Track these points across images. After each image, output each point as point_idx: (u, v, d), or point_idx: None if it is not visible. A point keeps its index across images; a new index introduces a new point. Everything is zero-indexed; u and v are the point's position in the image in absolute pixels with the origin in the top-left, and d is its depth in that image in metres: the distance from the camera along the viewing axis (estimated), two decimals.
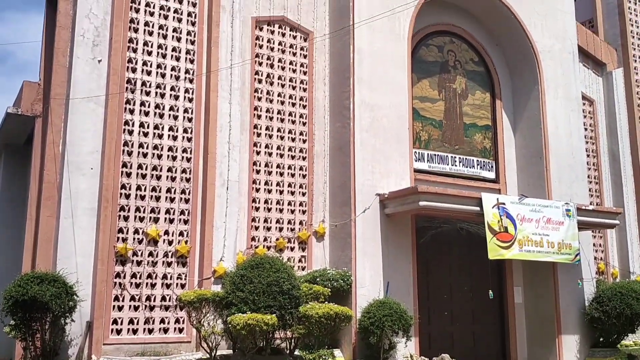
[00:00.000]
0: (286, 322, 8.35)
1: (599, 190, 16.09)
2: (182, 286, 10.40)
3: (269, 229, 11.68)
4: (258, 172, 11.74)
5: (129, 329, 9.91)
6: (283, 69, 12.32)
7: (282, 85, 12.27)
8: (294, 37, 12.55)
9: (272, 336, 8.69)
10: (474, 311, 13.88)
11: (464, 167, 14.06)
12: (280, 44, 12.37)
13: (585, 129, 15.84)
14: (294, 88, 12.37)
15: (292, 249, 11.81)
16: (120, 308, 9.95)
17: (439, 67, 14.14)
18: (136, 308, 10.04)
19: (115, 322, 9.87)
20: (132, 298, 10.06)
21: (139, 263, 10.20)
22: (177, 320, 10.33)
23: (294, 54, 12.50)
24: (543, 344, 13.46)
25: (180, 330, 10.32)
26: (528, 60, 14.64)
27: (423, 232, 12.86)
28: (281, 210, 11.87)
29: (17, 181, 13.13)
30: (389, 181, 12.05)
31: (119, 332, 9.87)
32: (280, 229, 11.79)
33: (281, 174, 11.97)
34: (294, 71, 12.44)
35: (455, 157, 13.99)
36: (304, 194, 12.13)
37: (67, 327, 9.21)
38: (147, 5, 10.92)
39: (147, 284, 10.20)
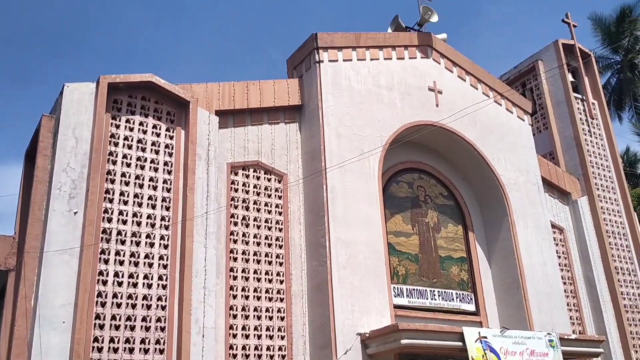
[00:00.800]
0: None
1: (580, 317, 16.01)
2: None
3: None
4: (235, 316, 11.51)
5: None
6: (258, 210, 12.54)
7: (258, 227, 12.41)
8: (269, 180, 12.90)
9: None
10: None
11: (444, 300, 14.01)
12: (255, 186, 12.69)
13: (559, 257, 16.08)
14: (269, 229, 12.51)
15: None
16: None
17: (411, 202, 14.54)
18: None
19: None
20: None
21: None
22: None
23: (269, 196, 12.78)
24: None
25: None
26: (495, 192, 15.16)
27: None
28: (260, 357, 11.50)
29: None
30: (369, 319, 11.88)
31: None
32: None
33: (259, 317, 11.75)
34: (270, 212, 12.65)
35: (434, 291, 13.97)
36: (282, 337, 11.83)
37: None
38: (124, 157, 11.24)
39: None
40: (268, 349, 11.62)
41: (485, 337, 11.73)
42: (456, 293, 14.25)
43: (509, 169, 15.50)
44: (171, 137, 11.86)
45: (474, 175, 15.41)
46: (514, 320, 13.93)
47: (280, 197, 12.90)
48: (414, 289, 13.67)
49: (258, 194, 12.66)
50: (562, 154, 18.34)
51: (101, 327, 10.06)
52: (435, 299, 13.90)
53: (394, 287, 13.18)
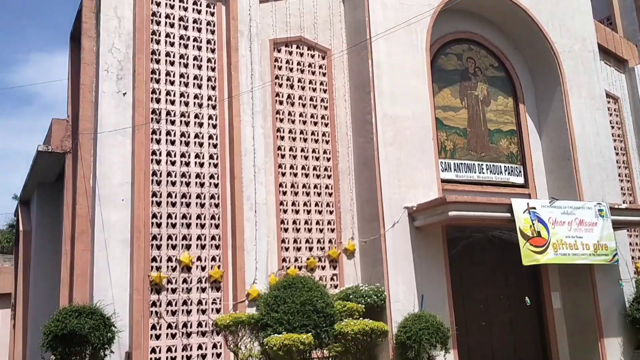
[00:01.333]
0: (322, 341, 8.33)
1: (631, 188, 15.77)
2: (217, 311, 10.45)
3: (299, 249, 11.69)
4: (284, 193, 11.79)
5: (167, 357, 9.97)
6: (303, 88, 12.41)
7: (303, 105, 12.35)
8: (312, 56, 12.65)
9: (309, 355, 8.66)
10: (512, 320, 13.65)
11: (492, 174, 13.94)
12: (299, 63, 12.48)
13: (612, 127, 15.59)
14: (315, 107, 12.44)
15: (323, 267, 11.80)
16: (157, 337, 10.02)
17: (460, 75, 14.10)
18: (173, 336, 10.11)
19: (153, 350, 9.94)
20: (169, 326, 10.13)
21: (173, 290, 10.29)
22: (214, 346, 10.37)
23: (313, 73, 12.59)
24: (585, 349, 13.18)
25: (218, 355, 10.35)
26: (548, 61, 14.52)
27: (454, 242, 12.76)
28: (310, 230, 11.88)
29: (51, 218, 13.39)
30: (416, 193, 11.99)
31: None
32: (310, 249, 11.80)
33: (307, 194, 12.00)
34: (314, 90, 12.52)
35: (482, 165, 13.87)
36: (331, 212, 12.13)
37: (106, 358, 9.29)
38: (167, 36, 11.13)
39: (182, 310, 10.27)
40: (318, 223, 11.97)
41: (534, 208, 11.74)
42: (505, 166, 14.13)
43: (564, 36, 14.71)
44: (212, 14, 11.61)
45: (527, 44, 14.71)
46: (564, 191, 13.82)
47: (324, 74, 12.68)
48: (461, 163, 13.60)
49: (302, 71, 12.47)
50: (620, 18, 17.23)
51: (158, 204, 10.48)
52: (483, 173, 13.83)
53: (442, 162, 13.13)
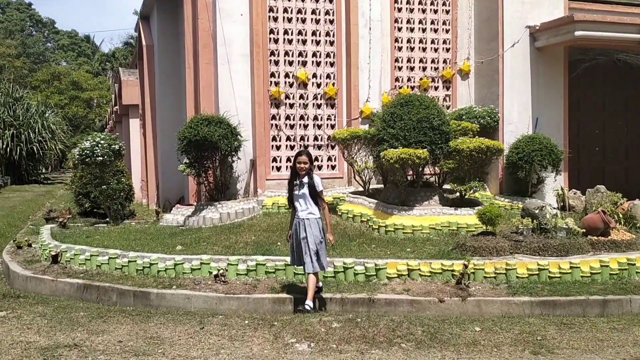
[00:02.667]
0: (436, 157, 8.60)
1: None
2: (332, 126, 10.89)
3: (412, 68, 11.63)
4: (399, 9, 11.47)
5: (286, 166, 10.71)
6: None
7: None
8: None
9: (422, 170, 9.02)
10: (628, 147, 13.29)
11: None
12: None
13: None
14: None
15: (436, 88, 11.76)
16: (277, 147, 10.71)
17: None
18: (292, 147, 10.76)
19: (274, 160, 10.70)
20: (288, 138, 10.75)
21: (291, 105, 10.74)
22: (329, 158, 10.98)
23: None
24: None
25: (333, 167, 10.99)
26: None
27: (575, 65, 12.17)
28: (424, 49, 11.68)
29: (171, 32, 13.86)
30: (540, 12, 11.29)
31: (278, 169, 10.73)
32: (424, 69, 11.69)
33: (423, 11, 11.61)
34: None
35: None
36: (447, 31, 11.77)
37: (233, 164, 10.13)
38: None
39: (300, 125, 10.79)
40: (432, 42, 11.71)
41: None
42: None
43: None
44: None
45: None
46: None
47: None
48: None
49: None
50: None
51: (275, 19, 10.58)
52: None
53: None
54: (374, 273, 6.96)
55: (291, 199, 6.35)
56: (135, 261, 7.61)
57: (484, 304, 6.41)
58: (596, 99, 12.95)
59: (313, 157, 10.19)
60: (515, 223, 7.72)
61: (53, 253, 8.09)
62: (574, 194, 10.20)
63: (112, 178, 11.23)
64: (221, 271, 7.09)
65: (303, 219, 6.18)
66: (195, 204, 11.39)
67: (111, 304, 6.65)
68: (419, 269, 6.99)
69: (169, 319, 5.78)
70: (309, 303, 5.97)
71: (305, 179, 6.20)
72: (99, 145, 10.55)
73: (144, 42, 14.83)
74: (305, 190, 6.20)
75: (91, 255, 7.93)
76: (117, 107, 21.29)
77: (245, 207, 9.77)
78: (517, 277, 6.89)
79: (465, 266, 6.69)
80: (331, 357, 4.70)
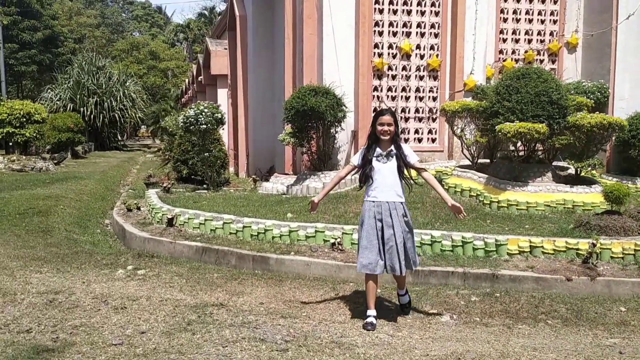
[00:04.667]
0: (554, 131, 8.32)
1: None
2: (434, 99, 10.72)
3: (517, 41, 11.28)
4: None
5: None
6: None
7: None
8: None
9: (534, 146, 8.78)
10: None
11: None
12: None
13: None
14: None
15: (541, 61, 11.37)
16: None
17: None
18: None
19: None
20: None
21: (393, 77, 10.63)
22: (429, 131, 10.83)
23: None
24: None
25: (433, 141, 10.85)
26: None
27: None
28: (530, 21, 11.29)
29: (265, 2, 13.93)
30: None
31: None
32: (529, 41, 11.32)
33: None
34: None
35: None
36: (555, 2, 11.33)
37: (336, 135, 10.15)
38: None
39: (401, 97, 10.67)
40: (539, 13, 11.32)
41: None
42: None
43: None
44: None
45: None
46: None
47: None
48: None
49: None
50: None
51: None
52: None
53: None
54: (494, 249, 6.85)
55: (365, 175, 4.77)
56: (250, 227, 7.75)
57: (614, 285, 6.21)
58: None
59: (413, 130, 10.00)
60: None
61: (169, 216, 8.35)
62: None
63: (212, 146, 11.47)
64: (339, 239, 7.15)
65: (387, 201, 4.68)
66: (290, 173, 11.49)
67: (230, 267, 6.82)
68: (542, 247, 6.83)
69: (301, 284, 5.89)
70: (404, 298, 5.05)
71: (392, 148, 4.73)
72: (203, 113, 10.76)
73: (237, 12, 14.94)
74: (393, 163, 4.70)
75: (205, 220, 8.13)
76: (201, 77, 21.65)
77: (347, 177, 9.77)
78: None
79: (594, 245, 6.49)
80: (477, 330, 4.67)
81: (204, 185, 11.58)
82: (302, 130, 9.78)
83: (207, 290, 5.54)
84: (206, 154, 11.13)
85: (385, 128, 4.66)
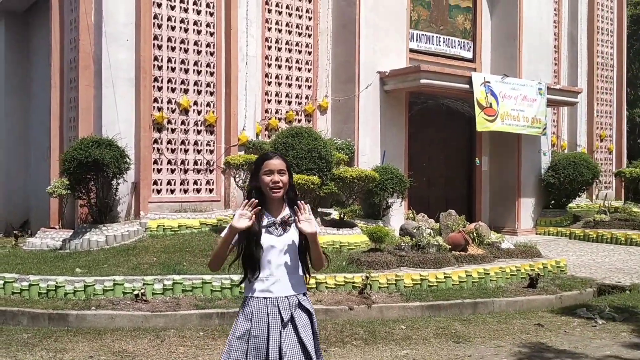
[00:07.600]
0: (323, 182, 9.66)
1: (557, 70, 17.74)
2: (211, 152, 11.43)
3: (279, 102, 12.65)
4: (270, 47, 12.47)
5: (167, 189, 10.98)
6: None
7: None
8: None
9: (316, 194, 9.94)
10: (447, 178, 15.72)
11: (447, 47, 15.20)
12: None
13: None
14: None
15: (299, 121, 12.90)
16: (159, 170, 10.94)
17: None
18: (172, 171, 11.06)
19: (155, 182, 10.89)
20: (169, 162, 11.03)
21: (173, 130, 11.08)
22: (207, 182, 11.47)
23: None
24: (504, 205, 15.58)
25: (211, 191, 11.50)
26: None
27: (410, 107, 14.20)
28: (290, 85, 12.80)
29: (19, 49, 13.24)
30: (388, 59, 13.11)
31: (159, 191, 10.94)
32: (289, 103, 12.79)
33: (290, 50, 12.75)
34: None
35: (440, 38, 15.05)
36: (309, 70, 13.03)
37: (118, 187, 10.15)
38: None
39: (181, 149, 11.15)
40: (297, 79, 12.88)
41: (489, 82, 13.31)
42: (458, 41, 15.41)
43: None
44: None
45: None
46: (506, 68, 15.40)
47: None
48: (423, 34, 14.70)
49: None
50: None
51: (159, 47, 10.90)
52: (440, 45, 15.05)
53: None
54: None
55: (252, 258, 3.08)
56: (38, 284, 7.46)
57: (385, 310, 7.57)
58: (424, 136, 15.16)
59: (192, 181, 10.35)
60: (398, 241, 9.07)
61: None
62: (422, 216, 11.98)
63: None
64: (142, 290, 7.34)
65: (286, 297, 3.10)
66: (58, 227, 11.13)
67: (22, 328, 6.51)
68: (326, 282, 7.96)
69: (122, 336, 5.99)
70: None
71: (289, 213, 3.19)
72: None
73: None
74: (291, 235, 3.15)
75: None
76: None
77: (130, 229, 9.87)
78: (405, 286, 8.19)
79: (367, 277, 7.83)
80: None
81: None
82: (80, 182, 9.61)
83: (26, 352, 5.35)
84: None
85: (276, 178, 3.12)
